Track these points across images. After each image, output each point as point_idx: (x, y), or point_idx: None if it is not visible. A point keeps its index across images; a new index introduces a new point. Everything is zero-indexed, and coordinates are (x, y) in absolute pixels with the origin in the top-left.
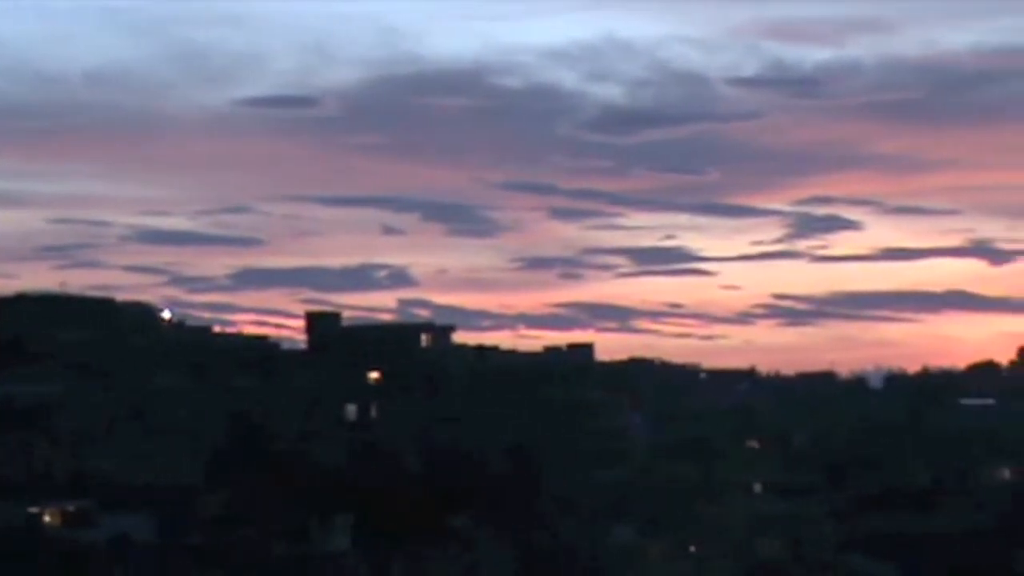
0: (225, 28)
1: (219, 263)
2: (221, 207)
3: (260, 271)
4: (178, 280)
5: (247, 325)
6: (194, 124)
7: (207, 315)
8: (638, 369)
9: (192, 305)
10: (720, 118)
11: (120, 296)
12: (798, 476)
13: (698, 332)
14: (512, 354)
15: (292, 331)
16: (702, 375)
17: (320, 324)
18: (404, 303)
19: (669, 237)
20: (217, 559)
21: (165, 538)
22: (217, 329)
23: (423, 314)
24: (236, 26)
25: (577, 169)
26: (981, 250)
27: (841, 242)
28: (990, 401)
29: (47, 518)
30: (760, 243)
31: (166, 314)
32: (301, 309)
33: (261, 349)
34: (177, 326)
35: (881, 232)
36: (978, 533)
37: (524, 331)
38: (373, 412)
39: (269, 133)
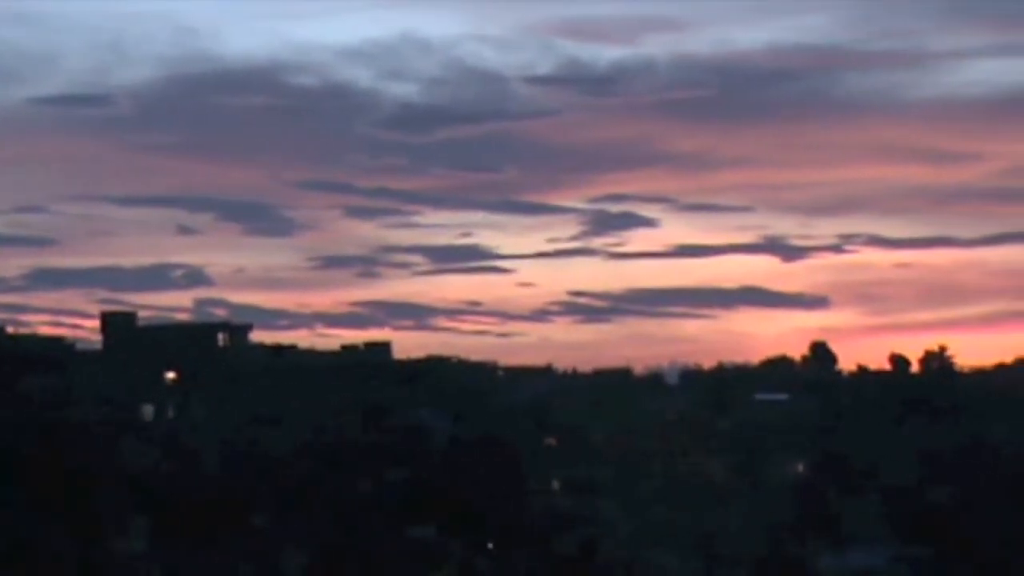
0: (17, 26)
1: (12, 263)
2: (14, 207)
3: (54, 271)
4: None
5: (41, 326)
6: None
7: (0, 316)
8: (436, 367)
9: None
10: (516, 116)
11: None
12: (595, 472)
13: (495, 330)
14: (309, 353)
15: (87, 331)
16: (499, 372)
17: (115, 324)
18: (201, 302)
19: (466, 235)
20: (10, 562)
21: None
22: (10, 330)
23: (220, 313)
24: (28, 24)
25: (373, 168)
26: (774, 247)
27: (636, 239)
28: (783, 396)
29: None
30: (556, 240)
31: None
32: (96, 309)
33: (56, 350)
34: None
35: (676, 229)
36: (772, 527)
37: (321, 330)
38: (170, 412)
39: (62, 132)
